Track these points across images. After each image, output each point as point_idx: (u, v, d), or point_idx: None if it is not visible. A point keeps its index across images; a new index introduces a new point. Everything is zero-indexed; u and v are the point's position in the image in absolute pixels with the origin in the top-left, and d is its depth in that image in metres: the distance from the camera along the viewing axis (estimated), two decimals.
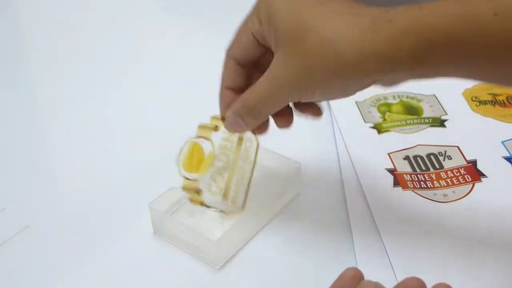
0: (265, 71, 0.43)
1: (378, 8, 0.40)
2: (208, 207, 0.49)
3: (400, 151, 0.58)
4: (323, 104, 0.48)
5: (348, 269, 0.37)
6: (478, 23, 0.36)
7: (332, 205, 0.52)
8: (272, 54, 0.43)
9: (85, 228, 0.52)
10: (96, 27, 0.86)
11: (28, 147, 0.63)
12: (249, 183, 0.50)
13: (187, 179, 0.49)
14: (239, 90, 0.46)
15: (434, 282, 0.36)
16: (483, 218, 0.51)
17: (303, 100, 0.44)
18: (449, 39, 0.37)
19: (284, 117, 0.46)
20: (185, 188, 0.49)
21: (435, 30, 0.37)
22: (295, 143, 0.57)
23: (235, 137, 0.50)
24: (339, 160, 0.57)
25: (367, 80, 0.41)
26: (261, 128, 0.48)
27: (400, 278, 0.41)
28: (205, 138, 0.48)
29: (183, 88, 0.70)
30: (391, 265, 0.46)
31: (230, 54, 0.46)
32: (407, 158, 0.57)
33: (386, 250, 0.47)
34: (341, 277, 0.37)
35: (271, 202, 0.51)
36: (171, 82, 0.72)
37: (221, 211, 0.49)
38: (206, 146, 0.49)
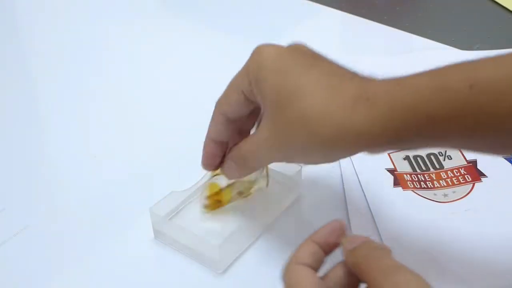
0: (254, 122, 0.47)
1: (359, 81, 0.40)
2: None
3: (400, 151, 0.57)
4: None
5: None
6: (455, 98, 0.37)
7: (333, 207, 0.52)
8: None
9: (85, 232, 0.52)
10: (96, 27, 0.85)
11: (28, 147, 0.62)
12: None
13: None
14: (223, 143, 0.48)
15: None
16: (483, 218, 0.51)
17: (288, 162, 0.46)
18: (426, 118, 0.38)
19: None
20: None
21: (412, 110, 0.38)
22: None
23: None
24: (339, 161, 0.57)
25: (345, 153, 0.42)
26: None
27: None
28: (217, 174, 0.51)
29: (185, 91, 0.69)
30: None
31: (219, 109, 0.47)
32: (407, 158, 0.57)
33: None
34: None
35: (272, 205, 0.51)
36: (173, 85, 0.71)
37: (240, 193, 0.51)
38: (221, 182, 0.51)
